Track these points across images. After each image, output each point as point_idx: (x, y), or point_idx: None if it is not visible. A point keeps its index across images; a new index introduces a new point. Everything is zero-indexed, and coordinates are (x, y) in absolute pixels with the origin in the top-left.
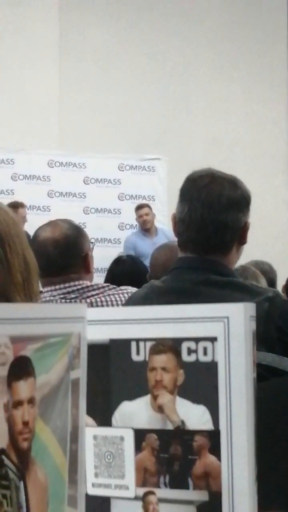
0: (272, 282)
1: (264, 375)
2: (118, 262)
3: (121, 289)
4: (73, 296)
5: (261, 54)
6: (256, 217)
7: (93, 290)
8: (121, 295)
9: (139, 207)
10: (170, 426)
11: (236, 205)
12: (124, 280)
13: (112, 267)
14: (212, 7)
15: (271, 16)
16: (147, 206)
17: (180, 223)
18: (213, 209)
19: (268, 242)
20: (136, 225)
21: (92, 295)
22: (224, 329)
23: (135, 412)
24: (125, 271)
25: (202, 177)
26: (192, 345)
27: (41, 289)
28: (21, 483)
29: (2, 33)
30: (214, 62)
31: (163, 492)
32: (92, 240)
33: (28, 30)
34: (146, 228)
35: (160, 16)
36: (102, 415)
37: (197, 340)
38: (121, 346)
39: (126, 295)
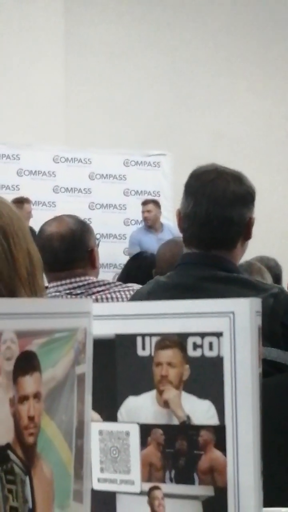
0: (277, 278)
1: (269, 371)
2: (136, 259)
3: (127, 286)
4: (78, 291)
5: (267, 49)
6: (261, 212)
7: (99, 286)
8: (126, 292)
9: (143, 203)
10: (175, 421)
11: (241, 201)
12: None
13: (130, 263)
14: (218, 2)
15: (276, 11)
16: (152, 202)
17: (185, 218)
18: (218, 205)
19: (274, 237)
20: (142, 220)
21: (98, 291)
22: (230, 324)
23: (141, 407)
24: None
25: (207, 172)
26: (198, 340)
27: (46, 284)
28: (27, 478)
29: (7, 28)
30: (219, 57)
31: (169, 487)
32: (98, 236)
33: (34, 26)
34: (147, 224)
35: (166, 12)
36: (108, 410)
37: (202, 335)
38: (126, 341)
39: (131, 292)
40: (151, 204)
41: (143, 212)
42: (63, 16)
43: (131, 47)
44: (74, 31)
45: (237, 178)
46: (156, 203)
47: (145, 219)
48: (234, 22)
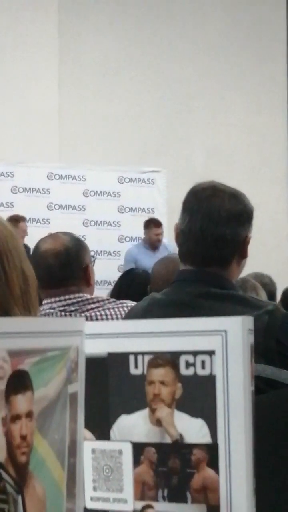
0: (272, 295)
1: (263, 388)
2: (128, 274)
3: (121, 303)
4: (72, 308)
5: (261, 65)
6: (256, 228)
7: (93, 303)
8: (120, 309)
9: (156, 225)
10: (168, 440)
11: (236, 219)
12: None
13: (123, 279)
14: (213, 18)
15: (271, 27)
16: (160, 224)
17: (181, 234)
18: (212, 222)
19: (268, 253)
20: (137, 237)
21: (92, 308)
22: (222, 343)
23: (134, 426)
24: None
25: (204, 189)
26: (190, 358)
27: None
28: (19, 497)
29: (1, 45)
30: (213, 73)
31: (162, 505)
32: (92, 253)
33: (28, 43)
34: (156, 246)
35: (160, 28)
36: (100, 428)
37: (195, 353)
38: (119, 360)
39: (125, 309)
40: (162, 226)
41: (156, 234)
42: (57, 33)
43: (125, 64)
44: (68, 49)
45: (233, 196)
46: (162, 225)
47: (156, 241)
48: (228, 37)
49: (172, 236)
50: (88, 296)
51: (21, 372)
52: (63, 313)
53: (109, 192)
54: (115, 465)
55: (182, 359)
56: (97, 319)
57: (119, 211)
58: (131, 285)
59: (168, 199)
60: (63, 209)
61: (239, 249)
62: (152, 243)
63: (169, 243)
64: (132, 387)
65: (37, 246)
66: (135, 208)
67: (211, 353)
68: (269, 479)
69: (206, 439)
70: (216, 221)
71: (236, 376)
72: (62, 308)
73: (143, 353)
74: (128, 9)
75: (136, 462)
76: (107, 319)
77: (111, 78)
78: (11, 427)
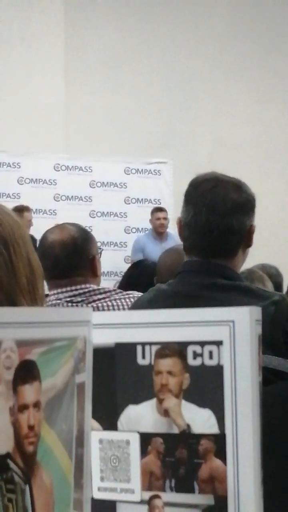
0: (278, 286)
1: (270, 379)
2: (137, 265)
3: (127, 294)
4: (79, 299)
5: (267, 57)
6: (262, 220)
7: (100, 294)
8: (127, 300)
9: (157, 210)
10: (175, 430)
11: (241, 209)
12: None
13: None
14: (219, 8)
15: (277, 17)
16: (165, 210)
17: (185, 227)
18: (218, 213)
19: (275, 245)
20: (143, 228)
21: (99, 299)
22: (230, 333)
23: (141, 416)
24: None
25: (207, 181)
26: (198, 349)
27: (47, 292)
28: (27, 487)
29: (8, 39)
30: (220, 65)
31: (169, 496)
32: (99, 244)
33: (34, 36)
34: (160, 231)
35: (166, 20)
36: (108, 419)
37: (202, 344)
38: (126, 350)
39: (132, 299)
40: (165, 212)
41: (158, 219)
42: (63, 25)
43: (132, 55)
44: (74, 40)
45: (236, 186)
46: (167, 212)
47: (160, 225)
48: (233, 30)
49: (177, 228)
50: (95, 286)
51: (29, 362)
52: (69, 304)
53: (115, 183)
54: (122, 455)
55: (190, 349)
56: (103, 310)
57: (125, 202)
58: (139, 276)
59: (175, 190)
60: (70, 200)
61: (245, 239)
62: (155, 228)
63: (177, 234)
64: (140, 377)
65: (44, 237)
66: (142, 199)
67: (218, 343)
68: (277, 469)
69: (214, 429)
70: (222, 212)
71: (244, 366)
72: (68, 299)
73: (150, 343)
74: (134, 2)
75: (144, 452)
76: (113, 310)
77: (117, 69)
78: (19, 417)
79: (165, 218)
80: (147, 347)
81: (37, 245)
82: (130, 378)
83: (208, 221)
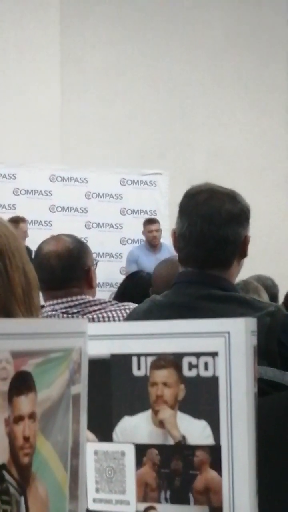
0: (274, 297)
1: (266, 390)
2: (132, 277)
3: (123, 305)
4: (74, 310)
5: (263, 67)
6: (258, 230)
7: (95, 305)
8: (122, 311)
9: (150, 222)
10: (171, 441)
11: (236, 219)
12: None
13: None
14: (214, 19)
15: (272, 28)
16: (158, 221)
17: (180, 238)
18: (213, 224)
19: (270, 256)
20: (139, 239)
21: (94, 310)
22: (225, 344)
23: (136, 427)
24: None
25: (201, 192)
26: (193, 360)
27: (43, 303)
28: (22, 499)
29: (4, 47)
30: (215, 75)
31: (164, 507)
32: (94, 255)
33: (30, 46)
34: (154, 244)
35: (161, 31)
36: (103, 430)
37: (198, 355)
38: (122, 361)
39: (127, 311)
40: (158, 224)
41: (150, 231)
42: (59, 36)
43: (127, 66)
44: (70, 52)
45: (231, 197)
46: (159, 223)
47: (153, 238)
48: (229, 41)
49: (171, 239)
50: (90, 298)
51: (24, 373)
52: (65, 315)
53: (111, 194)
54: (117, 467)
55: (185, 361)
56: (99, 321)
57: (121, 213)
58: (135, 288)
59: (170, 201)
60: (65, 211)
61: (240, 249)
62: (149, 241)
63: (171, 244)
64: (135, 389)
65: (39, 248)
66: (137, 210)
67: (214, 354)
68: (272, 480)
69: (209, 440)
70: (217, 223)
71: (239, 377)
72: (64, 310)
73: (146, 355)
74: (130, 12)
75: (139, 463)
76: (109, 321)
77: (113, 80)
78: (14, 428)
79: (157, 230)
80: (142, 358)
81: (33, 256)
82: (125, 389)
83: (203, 232)
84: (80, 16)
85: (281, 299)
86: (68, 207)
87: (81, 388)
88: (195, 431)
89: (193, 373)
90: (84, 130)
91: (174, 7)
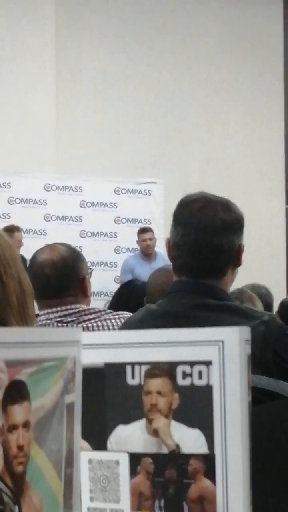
0: (268, 306)
1: (260, 399)
2: (127, 286)
3: (117, 314)
4: (69, 319)
5: (258, 76)
6: (252, 239)
7: (90, 314)
8: (117, 320)
9: (143, 231)
10: (165, 450)
11: (230, 228)
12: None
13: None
14: (209, 29)
15: (268, 38)
16: (151, 230)
17: (174, 247)
18: (208, 233)
19: (265, 265)
20: (133, 248)
21: (89, 319)
22: (219, 353)
23: (130, 436)
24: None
25: (195, 201)
26: (187, 369)
27: (37, 311)
28: (16, 507)
29: None
30: (210, 85)
31: None
32: (89, 264)
33: (25, 55)
34: (148, 253)
35: (157, 40)
36: (97, 439)
37: (192, 364)
38: (116, 370)
39: (122, 320)
40: (151, 232)
41: (143, 240)
42: (54, 45)
43: (122, 76)
44: (65, 61)
45: (225, 206)
46: (153, 232)
47: (146, 247)
48: (224, 49)
49: (166, 249)
50: (85, 307)
51: (18, 382)
52: (59, 324)
53: (106, 203)
54: (112, 476)
55: (179, 369)
56: (93, 330)
57: (115, 222)
58: (129, 297)
59: (165, 210)
60: (60, 220)
61: (234, 258)
62: (142, 250)
63: (166, 253)
64: (129, 397)
65: (34, 257)
66: (132, 219)
67: (208, 363)
68: (266, 489)
69: (203, 449)
70: (211, 232)
71: (233, 386)
72: (59, 319)
73: (140, 363)
74: (125, 21)
75: (133, 472)
76: (103, 330)
77: (108, 89)
78: (8, 437)
79: (151, 239)
80: (136, 367)
81: (28, 265)
82: (119, 398)
83: (197, 241)
84: (75, 26)
85: (275, 308)
86: (62, 216)
87: (75, 397)
88: (189, 440)
89: (187, 382)
90: (79, 139)
91: (169, 16)
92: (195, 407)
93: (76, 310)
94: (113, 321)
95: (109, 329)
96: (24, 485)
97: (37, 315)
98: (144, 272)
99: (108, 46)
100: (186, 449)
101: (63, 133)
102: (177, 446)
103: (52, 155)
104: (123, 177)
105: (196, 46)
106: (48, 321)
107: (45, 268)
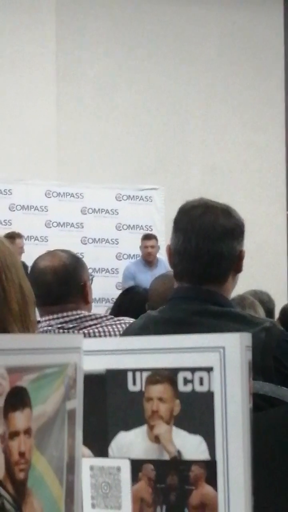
0: (270, 312)
1: (261, 405)
2: (128, 292)
3: (118, 320)
4: (70, 326)
5: (259, 83)
6: (253, 245)
7: (91, 320)
8: (118, 326)
9: (146, 238)
10: (166, 457)
11: (230, 234)
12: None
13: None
14: (209, 36)
15: (268, 45)
16: (154, 238)
17: (175, 254)
18: (208, 239)
19: (266, 271)
20: (135, 255)
21: (90, 325)
22: (220, 359)
23: (132, 443)
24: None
25: (196, 207)
26: (188, 375)
27: (38, 318)
28: None
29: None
30: (211, 91)
31: None
32: (90, 271)
33: (26, 62)
34: (148, 260)
35: (158, 46)
36: (99, 445)
37: (193, 370)
38: (117, 376)
39: (124, 325)
40: (154, 240)
41: (145, 247)
42: (55, 52)
43: (123, 82)
44: (66, 68)
45: (225, 212)
46: (156, 239)
47: (148, 254)
48: (225, 55)
49: (167, 255)
50: (86, 313)
51: (20, 389)
52: (61, 330)
53: (107, 209)
54: (113, 482)
55: (180, 376)
56: (95, 336)
57: (117, 228)
58: (130, 303)
59: (166, 217)
60: (61, 226)
61: (235, 264)
62: (144, 257)
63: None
64: (130, 404)
65: (35, 263)
66: (133, 225)
67: (209, 369)
68: (268, 495)
69: (205, 455)
70: (212, 238)
71: (234, 392)
72: (60, 325)
73: (141, 370)
74: (126, 28)
75: (134, 479)
76: (105, 336)
77: (109, 96)
78: (10, 444)
79: (153, 247)
80: (137, 374)
81: (29, 272)
82: (120, 405)
83: (198, 247)
84: (75, 33)
85: (277, 314)
86: (64, 223)
87: (77, 403)
88: (190, 446)
89: (188, 388)
90: (79, 146)
91: (170, 23)
92: (196, 413)
93: (77, 316)
94: (114, 327)
95: (110, 335)
96: (26, 492)
97: (38, 322)
98: (145, 278)
99: (108, 54)
100: (187, 455)
101: (64, 140)
102: (179, 452)
103: (53, 161)
104: (124, 183)
105: (197, 54)
106: (49, 328)
107: (46, 274)
